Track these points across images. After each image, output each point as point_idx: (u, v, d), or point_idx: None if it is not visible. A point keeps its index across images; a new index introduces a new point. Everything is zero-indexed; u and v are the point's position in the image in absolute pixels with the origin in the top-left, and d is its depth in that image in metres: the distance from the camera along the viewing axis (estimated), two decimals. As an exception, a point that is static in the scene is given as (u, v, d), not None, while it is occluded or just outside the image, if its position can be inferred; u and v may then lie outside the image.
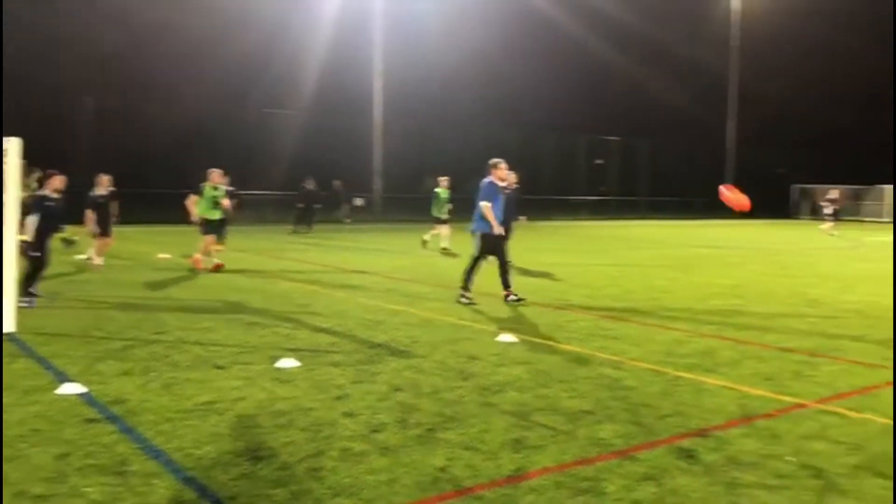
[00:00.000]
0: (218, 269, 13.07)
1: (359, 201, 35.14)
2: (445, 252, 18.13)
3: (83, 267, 13.08)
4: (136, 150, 28.37)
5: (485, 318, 8.92)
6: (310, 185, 26.80)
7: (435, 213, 18.43)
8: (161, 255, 15.87)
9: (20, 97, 25.86)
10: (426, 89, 40.93)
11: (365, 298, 10.41)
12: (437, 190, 18.52)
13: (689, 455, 4.41)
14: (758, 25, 47.73)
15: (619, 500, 3.78)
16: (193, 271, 12.97)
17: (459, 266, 14.90)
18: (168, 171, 29.21)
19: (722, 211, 48.55)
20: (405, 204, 37.01)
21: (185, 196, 13.91)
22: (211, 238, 13.43)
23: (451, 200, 18.47)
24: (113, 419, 4.91)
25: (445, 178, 18.60)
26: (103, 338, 7.44)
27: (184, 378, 5.95)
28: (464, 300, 9.95)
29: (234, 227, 14.07)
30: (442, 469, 4.14)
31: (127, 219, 15.09)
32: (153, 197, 27.53)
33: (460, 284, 10.12)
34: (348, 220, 32.94)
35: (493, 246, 10.06)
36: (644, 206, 46.60)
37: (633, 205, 46.45)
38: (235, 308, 9.47)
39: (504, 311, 9.44)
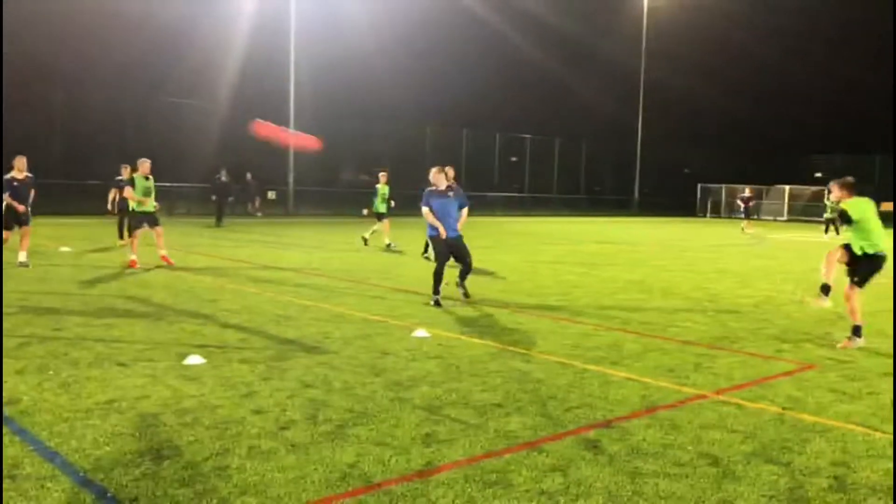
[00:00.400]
0: (132, 265, 12.61)
1: (271, 194, 34.57)
2: (365, 244, 18.05)
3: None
4: (34, 139, 26.99)
5: (399, 314, 8.90)
6: (223, 177, 26.19)
7: (376, 208, 18.31)
8: (62, 249, 15.23)
9: None
10: (343, 84, 40.59)
11: (275, 293, 10.25)
12: (377, 186, 18.45)
13: (594, 446, 4.52)
14: (670, 28, 49.35)
15: (526, 491, 3.85)
16: (128, 268, 12.48)
17: (375, 261, 14.88)
18: (69, 160, 27.95)
19: (631, 208, 49.97)
20: (318, 198, 36.60)
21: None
22: (140, 231, 13.06)
23: (390, 195, 18.41)
24: (4, 420, 4.68)
25: (384, 173, 18.56)
26: (-4, 335, 7.06)
27: (84, 376, 5.72)
28: (431, 303, 9.61)
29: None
30: (351, 465, 4.12)
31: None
32: (53, 188, 26.27)
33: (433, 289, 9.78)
34: (259, 214, 32.39)
35: (452, 248, 9.91)
36: (556, 203, 47.58)
37: (546, 201, 47.34)
38: (140, 304, 9.17)
39: (419, 307, 9.45)
